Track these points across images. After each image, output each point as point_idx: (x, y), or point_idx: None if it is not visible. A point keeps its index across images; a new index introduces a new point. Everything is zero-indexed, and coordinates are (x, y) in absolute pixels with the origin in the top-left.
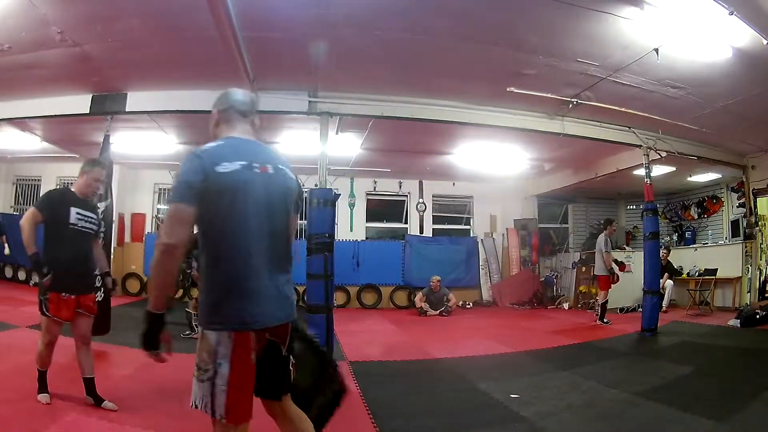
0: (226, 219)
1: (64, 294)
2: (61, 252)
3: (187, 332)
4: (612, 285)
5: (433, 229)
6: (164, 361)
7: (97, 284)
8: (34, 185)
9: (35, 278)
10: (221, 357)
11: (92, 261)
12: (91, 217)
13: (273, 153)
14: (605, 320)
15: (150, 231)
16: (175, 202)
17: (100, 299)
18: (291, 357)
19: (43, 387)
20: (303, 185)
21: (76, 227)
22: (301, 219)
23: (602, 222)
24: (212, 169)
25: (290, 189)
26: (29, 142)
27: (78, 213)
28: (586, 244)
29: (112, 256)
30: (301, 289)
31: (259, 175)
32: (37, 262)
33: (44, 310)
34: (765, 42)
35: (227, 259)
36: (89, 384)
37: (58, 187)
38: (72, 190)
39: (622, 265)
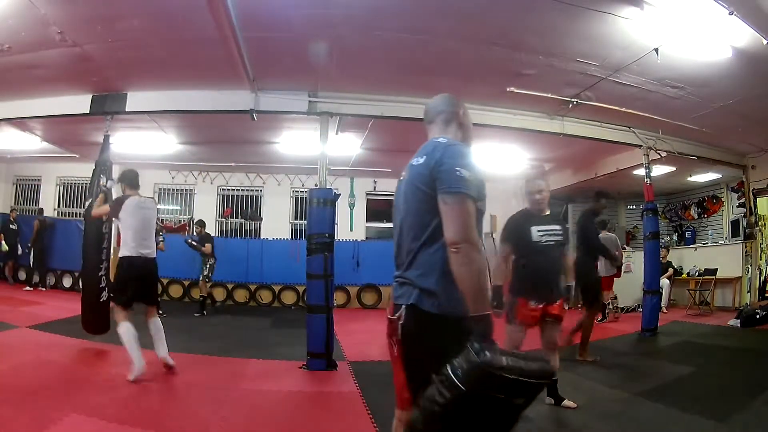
0: None
1: (532, 302)
2: (529, 266)
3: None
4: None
5: None
6: None
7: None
8: (34, 185)
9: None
10: None
11: (558, 272)
12: (553, 230)
13: (427, 146)
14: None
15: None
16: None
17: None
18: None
19: None
20: (438, 161)
21: (540, 243)
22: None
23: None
24: None
25: (418, 175)
26: (29, 142)
27: (539, 230)
28: None
29: (112, 256)
30: (300, 288)
31: (407, 171)
32: (497, 292)
33: (510, 318)
34: (765, 42)
35: None
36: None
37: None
38: (528, 209)
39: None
